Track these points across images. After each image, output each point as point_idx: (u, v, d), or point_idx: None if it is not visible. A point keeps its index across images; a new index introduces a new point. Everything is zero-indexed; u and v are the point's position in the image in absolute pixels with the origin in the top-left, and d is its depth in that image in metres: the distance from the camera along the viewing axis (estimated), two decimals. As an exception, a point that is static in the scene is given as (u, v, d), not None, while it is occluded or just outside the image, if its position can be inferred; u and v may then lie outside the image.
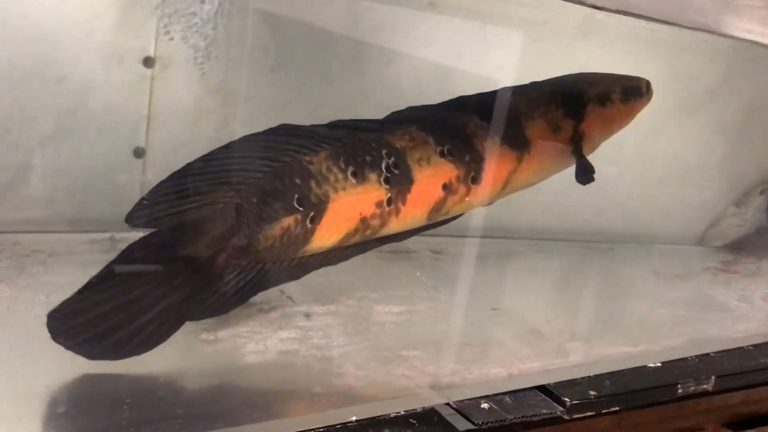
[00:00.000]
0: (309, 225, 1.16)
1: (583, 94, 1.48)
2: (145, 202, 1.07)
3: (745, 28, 1.26)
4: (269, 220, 1.12)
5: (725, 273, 2.21)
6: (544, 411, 1.21)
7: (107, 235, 1.51)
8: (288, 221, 1.14)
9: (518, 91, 1.45)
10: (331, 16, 1.65)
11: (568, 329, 1.56)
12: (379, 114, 1.73)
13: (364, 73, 1.73)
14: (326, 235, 1.20)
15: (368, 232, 1.25)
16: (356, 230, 1.23)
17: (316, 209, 1.16)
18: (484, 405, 1.19)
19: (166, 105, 1.54)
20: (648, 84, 1.55)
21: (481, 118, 1.35)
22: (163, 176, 1.49)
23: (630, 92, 1.52)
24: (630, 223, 2.24)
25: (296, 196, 1.14)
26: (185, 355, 1.17)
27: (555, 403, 1.24)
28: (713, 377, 1.46)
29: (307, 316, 1.36)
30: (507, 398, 1.22)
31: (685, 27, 1.34)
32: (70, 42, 1.40)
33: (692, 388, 1.43)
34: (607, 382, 1.35)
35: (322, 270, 1.57)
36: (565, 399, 1.25)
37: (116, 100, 1.49)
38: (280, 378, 1.14)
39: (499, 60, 1.82)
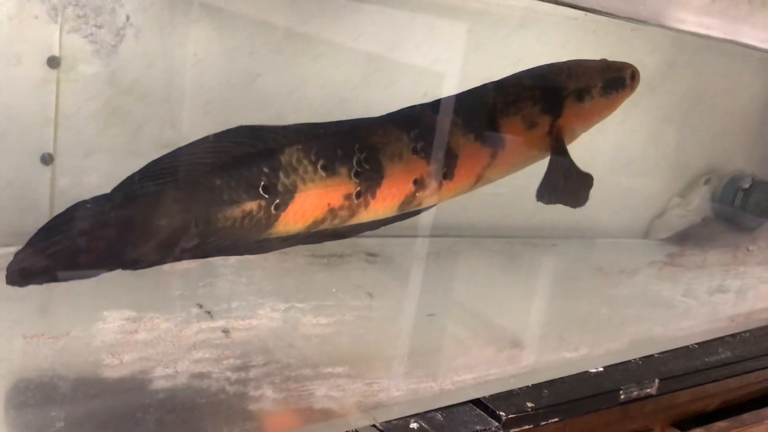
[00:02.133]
0: (273, 212, 1.19)
1: (561, 89, 1.47)
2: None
3: (678, 18, 1.21)
4: (230, 202, 1.15)
5: (670, 266, 2.17)
6: (478, 427, 1.16)
7: (12, 249, 1.40)
8: (251, 206, 1.16)
9: (497, 86, 1.45)
10: (255, 7, 1.57)
11: (507, 335, 1.49)
12: (307, 110, 1.68)
13: (290, 68, 1.65)
14: (291, 222, 1.22)
15: (336, 221, 1.27)
16: (323, 219, 1.25)
17: (282, 198, 1.19)
18: (413, 424, 1.13)
19: (74, 107, 1.46)
20: (633, 73, 1.52)
21: (457, 115, 1.37)
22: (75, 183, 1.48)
23: (612, 85, 1.50)
24: (573, 217, 2.19)
25: (263, 183, 1.17)
26: (82, 384, 1.07)
27: (490, 418, 1.19)
28: (657, 380, 1.43)
29: (226, 332, 1.27)
30: (439, 415, 1.17)
31: (622, 18, 1.29)
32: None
33: (635, 392, 1.40)
34: (546, 391, 1.30)
35: (249, 279, 1.50)
36: (501, 413, 1.19)
37: (19, 103, 1.41)
38: (189, 405, 1.05)
39: (434, 52, 1.76)
